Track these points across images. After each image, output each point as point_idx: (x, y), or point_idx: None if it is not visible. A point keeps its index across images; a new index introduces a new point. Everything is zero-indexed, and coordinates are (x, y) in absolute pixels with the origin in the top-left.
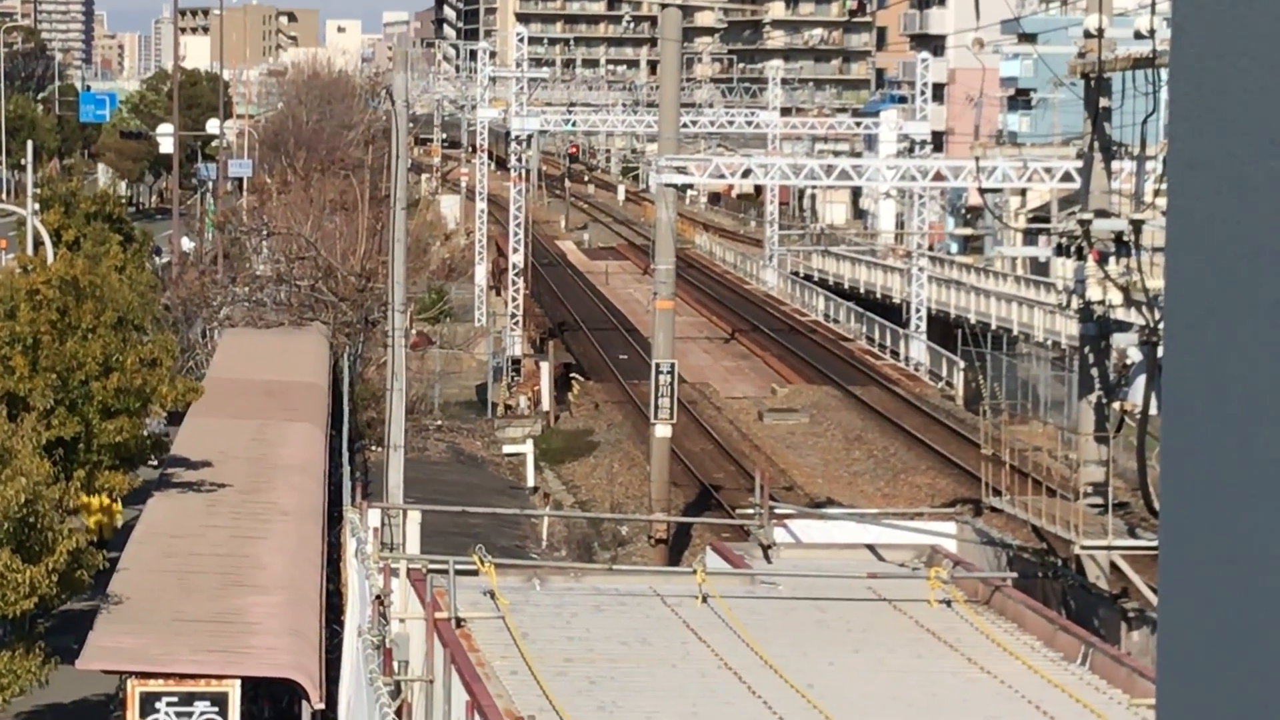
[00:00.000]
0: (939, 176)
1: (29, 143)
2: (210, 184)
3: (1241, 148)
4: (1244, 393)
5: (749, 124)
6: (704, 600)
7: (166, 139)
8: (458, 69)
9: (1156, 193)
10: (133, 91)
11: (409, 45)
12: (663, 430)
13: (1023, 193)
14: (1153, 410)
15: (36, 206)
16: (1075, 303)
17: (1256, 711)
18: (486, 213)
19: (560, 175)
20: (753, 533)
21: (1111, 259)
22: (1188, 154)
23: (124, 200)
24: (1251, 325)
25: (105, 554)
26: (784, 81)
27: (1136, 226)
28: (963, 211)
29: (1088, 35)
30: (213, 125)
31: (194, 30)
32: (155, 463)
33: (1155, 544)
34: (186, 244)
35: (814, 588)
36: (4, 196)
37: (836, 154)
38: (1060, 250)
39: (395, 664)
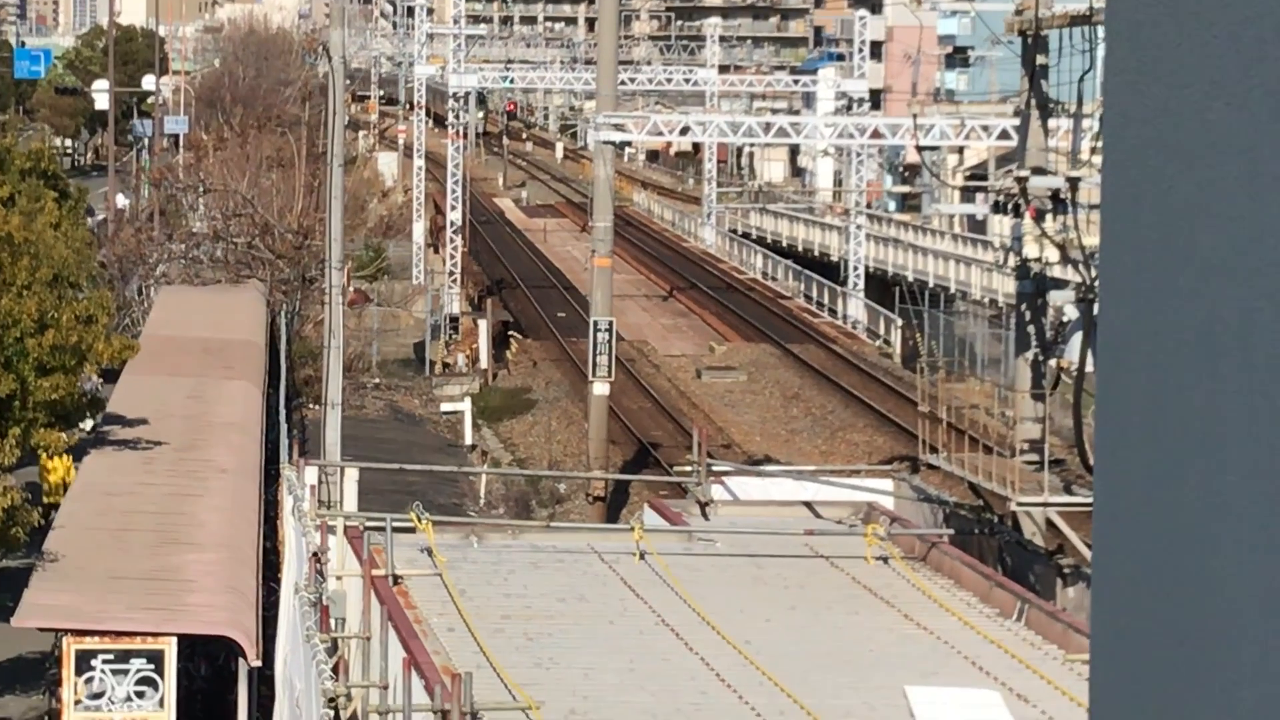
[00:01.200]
0: (877, 134)
1: None
2: (146, 141)
3: (1177, 101)
4: (1178, 348)
5: (687, 81)
6: (641, 557)
7: (102, 95)
8: (395, 25)
9: (1093, 150)
10: (68, 48)
11: (346, 1)
12: (601, 388)
13: (960, 150)
14: (1089, 367)
15: None
16: (1012, 260)
17: (1190, 665)
18: (424, 170)
19: (498, 133)
20: (690, 490)
21: (1048, 216)
22: (1123, 107)
23: (62, 152)
24: (1186, 280)
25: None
26: (722, 39)
27: (1073, 184)
28: (900, 169)
29: None
30: (149, 82)
31: None
32: (89, 424)
33: (1091, 500)
34: (122, 201)
35: (751, 545)
36: None
37: (774, 112)
38: (997, 208)
39: (332, 621)
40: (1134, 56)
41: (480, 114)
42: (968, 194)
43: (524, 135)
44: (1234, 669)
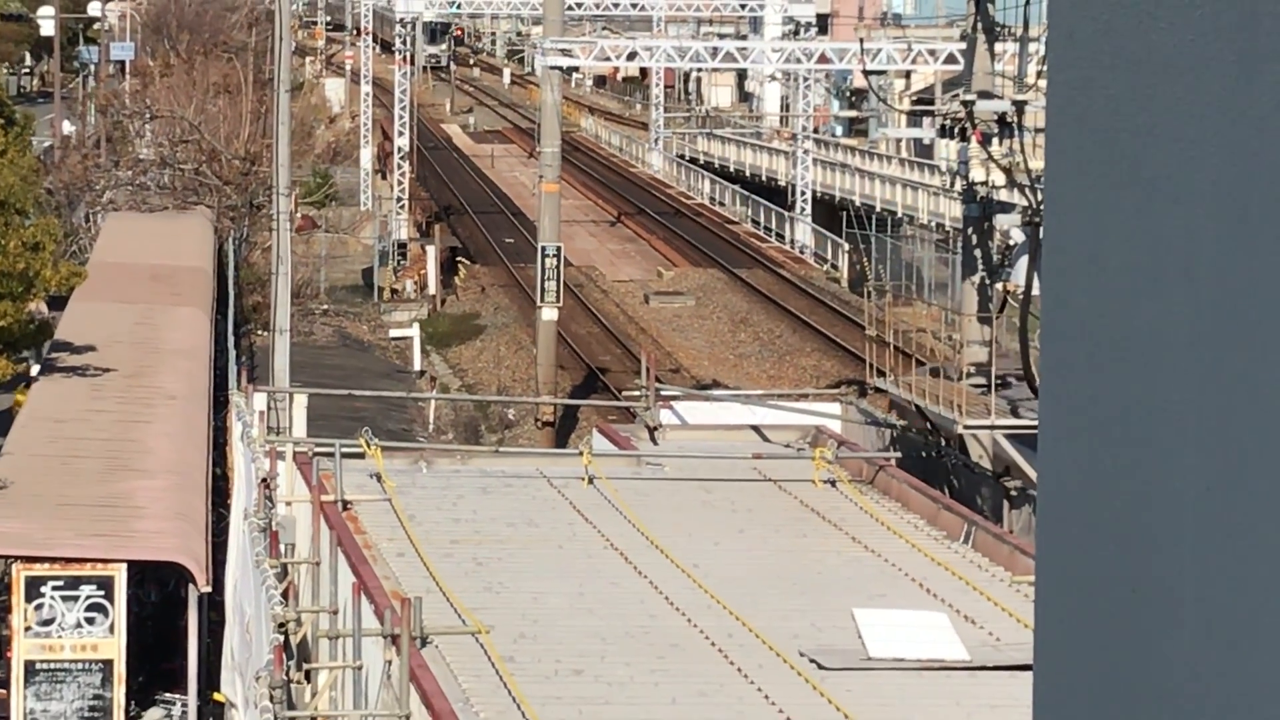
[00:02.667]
0: (824, 59)
1: None
2: (92, 67)
3: (1120, 19)
4: (1123, 268)
5: (634, 6)
6: (590, 482)
7: (48, 21)
8: None
9: (1039, 74)
10: None
11: None
12: (549, 313)
13: (907, 75)
14: (1035, 290)
15: None
16: (959, 185)
17: (1133, 581)
18: (371, 96)
19: (445, 57)
20: (639, 415)
21: (995, 140)
22: (1068, 27)
23: (6, 74)
24: (1131, 200)
25: None
26: None
27: (1019, 107)
28: (848, 94)
29: None
30: (94, 8)
31: None
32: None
33: (1037, 424)
34: (69, 128)
35: (699, 469)
36: None
37: (722, 37)
38: (944, 132)
39: (282, 547)
40: None
41: (444, 47)
42: (914, 118)
43: (471, 61)
44: (1176, 583)
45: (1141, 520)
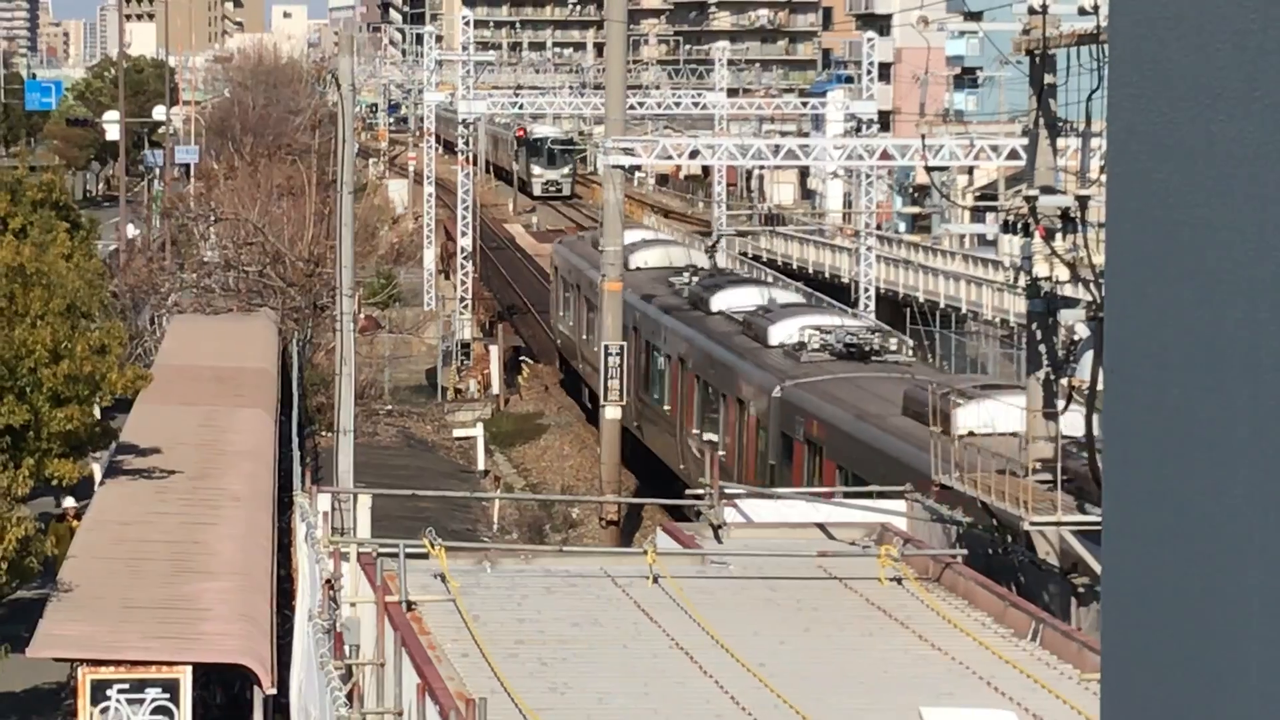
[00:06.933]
0: (886, 155)
1: None
2: (157, 171)
3: (1180, 114)
4: (1184, 362)
5: (696, 105)
6: (655, 581)
7: (113, 126)
8: (404, 53)
9: (1102, 169)
10: (78, 79)
11: (355, 30)
12: (613, 412)
13: (970, 171)
14: (1100, 385)
15: None
16: (1022, 280)
17: (1200, 681)
18: (435, 197)
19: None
20: (703, 513)
21: (1058, 235)
22: (1127, 122)
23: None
24: (1192, 294)
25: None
26: (730, 62)
27: (1082, 202)
28: (910, 190)
29: (1032, 12)
30: (159, 112)
31: (139, 17)
32: (97, 454)
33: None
34: (133, 231)
35: (765, 567)
36: None
37: (783, 134)
38: (1007, 227)
39: (346, 648)
40: (1137, 71)
41: (566, 171)
42: (977, 214)
43: None
44: (1243, 684)
45: (1207, 616)
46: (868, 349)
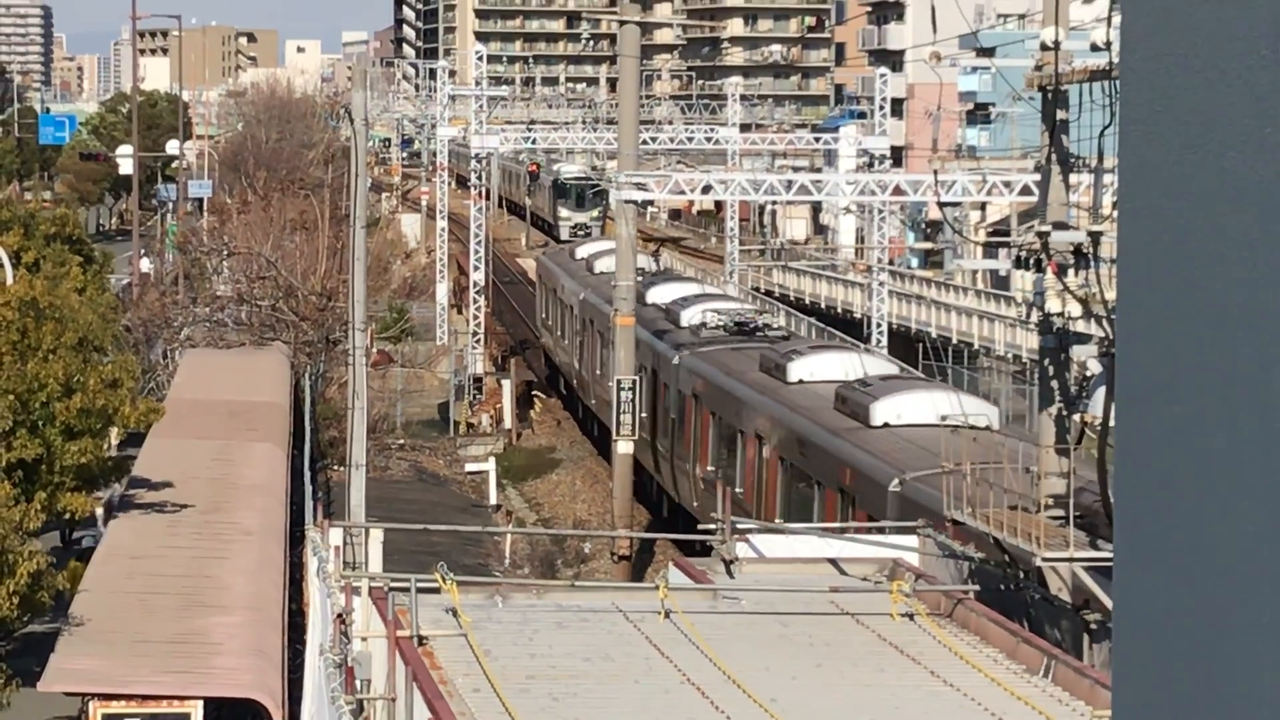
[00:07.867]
0: (898, 191)
1: None
2: (170, 205)
3: (1191, 149)
4: (1197, 399)
5: (709, 140)
6: (667, 616)
7: (126, 160)
8: (417, 88)
9: (1114, 205)
10: (92, 113)
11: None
12: (625, 447)
13: (982, 206)
14: (1113, 422)
15: None
16: (1035, 315)
17: (1213, 716)
18: (447, 231)
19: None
20: (715, 548)
21: (1070, 271)
22: (1139, 155)
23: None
24: (1204, 329)
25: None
26: (743, 98)
27: (1095, 238)
28: (923, 226)
29: (1044, 48)
30: (172, 146)
31: (153, 52)
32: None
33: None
34: (146, 265)
35: (776, 602)
36: None
37: (796, 169)
38: (1019, 263)
39: (357, 683)
40: (1148, 105)
41: (595, 214)
42: (990, 250)
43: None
44: (1256, 717)
45: (1220, 653)
46: (751, 327)
